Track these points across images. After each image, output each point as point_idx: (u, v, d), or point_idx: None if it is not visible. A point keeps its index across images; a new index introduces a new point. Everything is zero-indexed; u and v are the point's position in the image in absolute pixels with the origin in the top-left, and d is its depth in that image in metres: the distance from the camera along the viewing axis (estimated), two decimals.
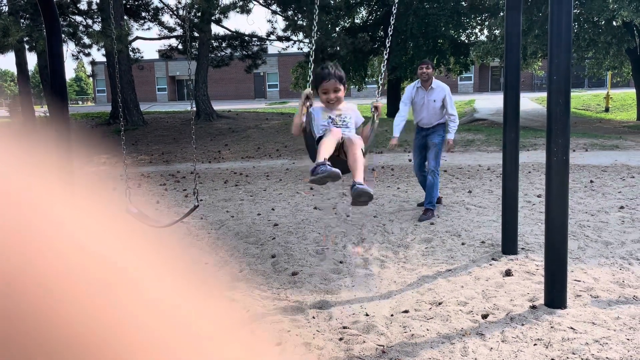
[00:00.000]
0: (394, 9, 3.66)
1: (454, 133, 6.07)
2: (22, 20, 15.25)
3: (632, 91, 24.74)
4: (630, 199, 6.43)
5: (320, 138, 2.87)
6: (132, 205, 4.61)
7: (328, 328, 3.19)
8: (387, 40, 3.47)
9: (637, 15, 14.49)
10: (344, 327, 3.18)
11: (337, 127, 2.89)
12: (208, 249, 5.10)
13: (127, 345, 0.27)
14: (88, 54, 17.23)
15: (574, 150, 10.73)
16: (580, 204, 6.25)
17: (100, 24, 16.28)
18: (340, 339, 3.02)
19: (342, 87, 3.00)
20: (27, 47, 15.82)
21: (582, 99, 30.06)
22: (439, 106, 6.00)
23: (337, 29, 20.39)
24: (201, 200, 7.32)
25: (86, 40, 16.32)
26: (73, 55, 17.17)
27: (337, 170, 2.63)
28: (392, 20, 3.58)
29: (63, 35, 14.84)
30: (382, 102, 2.94)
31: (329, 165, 2.66)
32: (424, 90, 6.04)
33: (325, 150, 2.76)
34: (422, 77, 5.98)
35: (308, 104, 2.92)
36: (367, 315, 3.39)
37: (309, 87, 2.96)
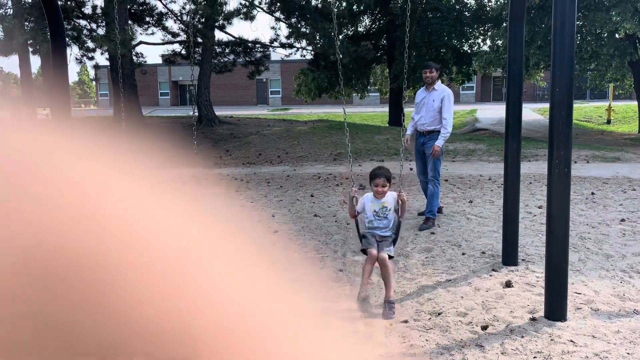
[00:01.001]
0: (407, 21, 3.73)
1: (442, 140, 5.92)
2: (27, 23, 15.32)
3: (634, 103, 24.78)
4: (632, 211, 6.41)
5: (364, 236, 3.86)
6: None
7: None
8: (405, 40, 3.61)
9: (639, 27, 14.52)
10: (343, 337, 3.16)
11: (374, 249, 3.70)
12: None
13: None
14: (92, 58, 17.30)
15: (575, 162, 10.73)
16: (581, 215, 6.23)
17: (104, 28, 16.34)
18: None
19: (388, 184, 3.96)
20: (31, 50, 15.88)
21: (584, 111, 30.11)
22: (437, 107, 5.96)
23: (341, 37, 20.47)
24: None
25: (90, 44, 16.39)
26: (77, 59, 17.24)
27: (373, 311, 3.60)
28: (407, 26, 3.69)
29: (67, 39, 14.89)
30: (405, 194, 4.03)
31: (369, 304, 3.61)
32: (427, 91, 6.11)
33: (365, 283, 3.68)
34: (425, 80, 6.06)
35: (354, 201, 3.91)
36: (366, 325, 3.37)
37: (354, 187, 4.03)
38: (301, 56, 20.70)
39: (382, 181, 3.90)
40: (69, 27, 15.71)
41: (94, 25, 17.05)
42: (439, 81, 6.13)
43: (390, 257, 3.70)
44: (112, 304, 0.26)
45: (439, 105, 5.96)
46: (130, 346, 0.25)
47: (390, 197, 3.94)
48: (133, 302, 0.26)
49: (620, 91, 27.63)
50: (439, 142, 5.90)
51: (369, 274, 3.70)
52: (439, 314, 3.50)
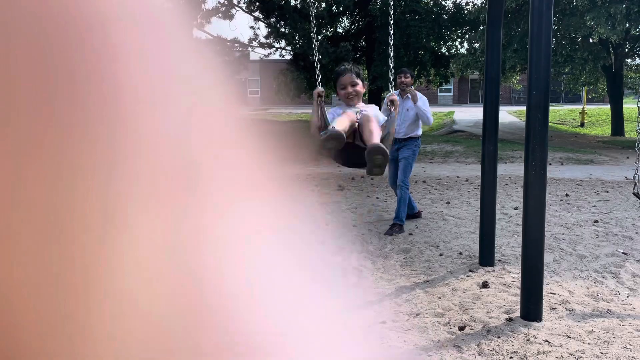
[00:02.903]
0: (391, 24, 3.66)
1: (425, 106, 5.78)
2: None
3: (607, 107, 25.34)
4: (605, 213, 6.54)
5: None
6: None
7: None
8: (390, 41, 3.55)
9: (613, 32, 14.85)
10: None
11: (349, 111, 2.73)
12: None
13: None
14: None
15: (550, 164, 10.91)
16: (556, 217, 6.33)
17: None
18: None
19: (359, 82, 2.93)
20: None
21: (558, 114, 30.66)
22: (412, 115, 5.86)
23: (320, 37, 20.48)
24: None
25: None
26: None
27: (341, 131, 2.43)
28: (391, 27, 3.61)
29: None
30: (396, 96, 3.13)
31: (333, 127, 2.49)
32: (400, 98, 6.01)
33: (337, 123, 2.64)
34: (400, 85, 5.93)
35: (320, 100, 2.88)
36: (343, 325, 3.36)
37: (319, 86, 2.95)
38: (280, 56, 20.66)
39: (348, 78, 2.90)
40: None
41: None
42: (412, 87, 6.01)
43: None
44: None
45: (414, 114, 5.87)
46: None
47: (369, 106, 3.02)
48: None
49: (593, 95, 28.22)
50: (422, 103, 5.75)
51: (339, 124, 2.75)
52: (417, 314, 3.52)
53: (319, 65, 3.54)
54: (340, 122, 2.70)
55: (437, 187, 8.65)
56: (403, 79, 5.93)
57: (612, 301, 3.72)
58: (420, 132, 6.02)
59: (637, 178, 3.99)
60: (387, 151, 2.61)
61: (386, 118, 3.01)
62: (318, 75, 3.36)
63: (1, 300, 0.22)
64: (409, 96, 5.89)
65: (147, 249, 0.24)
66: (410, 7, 20.13)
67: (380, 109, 3.28)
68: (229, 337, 0.26)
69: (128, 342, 0.23)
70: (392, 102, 3.06)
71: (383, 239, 5.47)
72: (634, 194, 4.11)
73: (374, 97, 22.25)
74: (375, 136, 2.65)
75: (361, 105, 2.93)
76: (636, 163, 4.06)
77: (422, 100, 5.91)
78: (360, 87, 2.95)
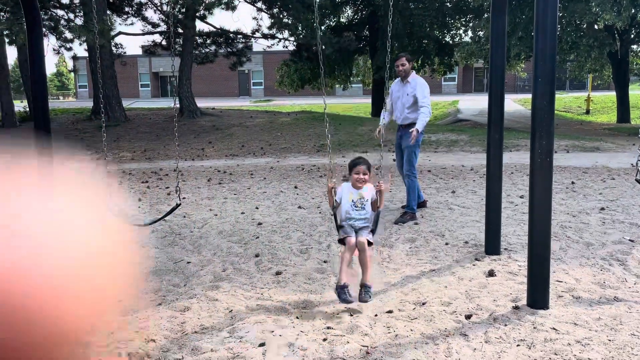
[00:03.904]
0: (390, 12, 3.62)
1: (421, 124, 5.65)
2: (2, 14, 14.97)
3: (613, 94, 25.15)
4: (611, 200, 6.51)
5: (341, 226, 3.77)
6: (112, 202, 4.51)
7: (312, 328, 3.17)
8: (388, 29, 3.53)
9: (618, 18, 14.71)
10: (328, 328, 3.16)
11: (351, 237, 3.64)
12: (191, 247, 5.05)
13: None
14: (70, 49, 16.97)
15: (555, 152, 10.85)
16: (562, 205, 6.31)
17: (82, 18, 16.04)
18: (324, 340, 3.00)
19: (368, 173, 3.84)
20: (7, 40, 15.53)
21: (564, 101, 30.47)
22: (412, 101, 5.81)
23: (323, 27, 20.38)
24: (184, 198, 7.25)
25: (68, 35, 16.08)
26: (54, 50, 16.90)
27: (353, 300, 3.49)
28: (390, 16, 3.58)
29: (44, 29, 14.59)
30: (385, 185, 3.84)
31: (347, 293, 3.49)
32: (401, 83, 5.96)
33: (344, 267, 3.59)
34: (398, 73, 5.91)
35: (333, 191, 3.84)
36: (351, 315, 3.37)
37: (330, 181, 3.87)
38: (283, 47, 20.58)
39: (362, 169, 3.79)
40: (46, 17, 15.38)
41: (71, 15, 16.72)
42: (413, 72, 5.94)
43: (369, 243, 3.63)
44: None
45: (412, 99, 5.80)
46: None
47: (369, 190, 3.81)
48: None
49: (599, 82, 28.04)
50: (419, 126, 5.63)
51: (348, 262, 3.63)
52: (424, 303, 3.52)
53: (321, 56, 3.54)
54: (345, 263, 3.61)
55: (443, 176, 8.63)
56: (400, 67, 5.85)
57: (619, 288, 3.71)
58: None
59: (639, 165, 3.96)
60: (370, 295, 3.53)
61: (376, 197, 3.79)
62: (322, 70, 3.48)
63: None
64: (409, 81, 5.84)
65: None
66: None
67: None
68: None
69: None
70: (379, 192, 3.78)
71: (389, 229, 5.47)
72: (637, 180, 4.09)
73: (378, 87, 22.17)
74: (367, 275, 3.58)
75: (364, 189, 3.78)
76: (639, 150, 4.03)
77: (421, 88, 5.78)
78: (368, 177, 3.82)
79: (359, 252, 3.61)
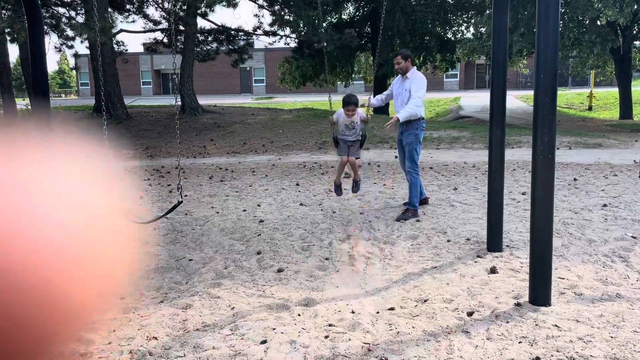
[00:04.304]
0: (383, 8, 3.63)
1: (405, 113, 5.60)
2: (4, 12, 14.98)
3: (615, 90, 25.09)
4: (613, 197, 6.50)
5: (339, 141, 5.61)
6: (114, 199, 4.54)
7: (314, 326, 3.17)
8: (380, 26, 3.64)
9: (621, 14, 14.65)
10: (330, 325, 3.16)
11: (345, 155, 5.60)
12: (192, 245, 5.05)
13: None
14: (71, 47, 16.98)
15: (558, 148, 10.83)
16: (564, 201, 6.30)
17: (83, 16, 16.04)
18: (326, 337, 3.00)
19: (355, 108, 5.54)
20: (8, 38, 15.54)
21: (566, 98, 30.39)
22: (409, 97, 5.77)
23: (324, 24, 20.35)
24: (186, 195, 7.26)
25: (69, 33, 16.08)
26: (56, 48, 16.91)
27: (342, 194, 6.17)
28: (382, 13, 3.61)
29: (45, 27, 14.58)
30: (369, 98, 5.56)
31: (340, 190, 6.03)
32: (401, 80, 5.96)
33: (339, 173, 5.96)
34: (397, 71, 5.95)
35: (334, 122, 5.62)
36: (352, 312, 3.37)
37: (331, 117, 5.63)
38: (285, 44, 20.55)
39: (352, 107, 5.50)
40: (47, 15, 15.38)
41: (72, 13, 16.72)
42: (414, 69, 5.88)
43: (357, 158, 5.58)
44: None
45: (410, 94, 5.76)
46: None
47: (357, 114, 5.54)
48: None
49: (601, 78, 27.94)
50: (401, 115, 5.59)
51: (342, 170, 5.89)
52: (425, 300, 3.52)
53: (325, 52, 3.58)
54: (340, 170, 5.91)
55: (444, 173, 8.62)
56: (396, 66, 5.86)
57: (621, 285, 3.70)
58: (420, 114, 5.81)
59: None
60: (359, 181, 5.91)
61: (364, 116, 5.56)
62: (326, 66, 3.99)
63: None
64: (408, 77, 5.82)
65: None
66: None
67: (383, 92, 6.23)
68: None
69: None
70: (362, 105, 5.67)
71: (390, 226, 5.46)
72: None
73: (380, 84, 22.16)
74: (356, 174, 5.81)
75: (354, 116, 5.54)
76: None
77: (416, 82, 5.75)
78: (355, 109, 5.53)
79: (351, 165, 5.65)
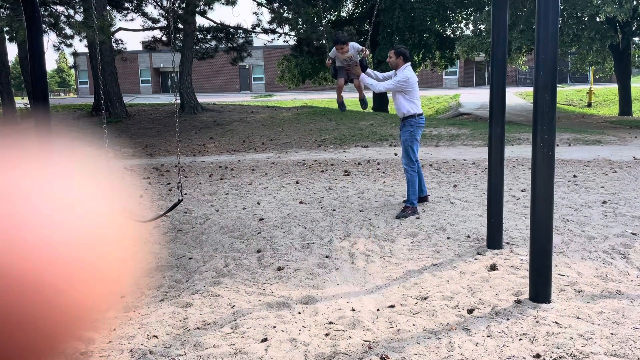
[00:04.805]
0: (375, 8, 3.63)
1: (366, 78, 5.92)
2: (2, 10, 14.95)
3: (614, 87, 25.08)
4: (613, 193, 6.50)
5: (337, 69, 6.07)
6: (114, 198, 4.56)
7: (314, 324, 3.17)
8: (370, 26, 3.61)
9: (620, 11, 14.63)
10: (330, 323, 3.16)
11: (342, 78, 6.02)
12: (192, 243, 5.05)
13: None
14: (70, 45, 16.95)
15: (557, 145, 10.82)
16: (564, 198, 6.30)
17: (82, 14, 16.00)
18: (327, 335, 3.00)
19: (345, 46, 5.80)
20: (7, 37, 15.52)
21: (565, 94, 30.38)
22: (399, 96, 5.82)
23: (323, 22, 20.31)
24: (185, 194, 7.25)
25: (68, 31, 16.05)
26: (54, 46, 16.88)
27: (345, 109, 6.69)
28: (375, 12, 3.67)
29: (44, 26, 14.56)
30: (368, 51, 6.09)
31: (343, 105, 6.51)
32: (394, 76, 5.96)
33: (339, 92, 6.26)
34: (390, 66, 5.99)
35: (332, 60, 6.06)
36: (353, 310, 3.37)
37: (329, 60, 6.09)
38: (284, 42, 20.53)
39: (340, 45, 5.76)
40: (46, 13, 15.35)
41: (71, 12, 16.69)
42: (407, 65, 5.86)
43: (356, 78, 5.94)
44: None
45: (399, 95, 5.82)
46: None
47: (352, 48, 5.84)
48: None
49: (600, 74, 27.93)
50: (364, 76, 5.93)
51: (341, 90, 6.19)
52: (426, 298, 3.52)
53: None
54: (339, 90, 6.19)
55: (444, 170, 8.62)
56: (388, 59, 5.97)
57: (621, 282, 3.71)
58: (413, 110, 5.80)
59: None
60: (366, 100, 6.55)
61: (360, 47, 5.92)
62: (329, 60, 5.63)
63: None
64: (397, 73, 5.85)
65: None
66: None
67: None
68: None
69: None
70: (362, 50, 5.96)
71: (390, 224, 5.46)
72: None
73: None
74: (360, 93, 6.26)
75: (347, 52, 5.86)
76: None
77: (399, 74, 5.82)
78: (346, 47, 5.80)
79: (354, 86, 6.11)
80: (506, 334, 2.94)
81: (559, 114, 20.69)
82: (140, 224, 5.21)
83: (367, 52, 5.77)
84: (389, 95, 6.33)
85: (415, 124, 5.83)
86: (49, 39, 16.80)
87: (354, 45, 5.87)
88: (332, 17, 22.57)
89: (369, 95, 29.51)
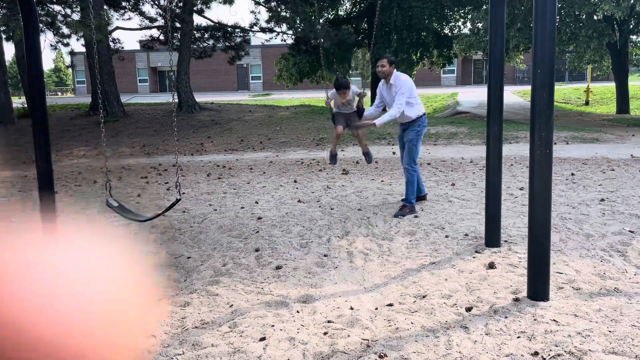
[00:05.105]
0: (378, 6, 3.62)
1: (384, 119, 5.58)
2: None
3: (612, 85, 25.11)
4: (611, 191, 6.51)
5: (335, 115, 6.01)
6: (112, 198, 4.55)
7: (312, 322, 3.17)
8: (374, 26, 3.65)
9: (617, 9, 14.64)
10: (329, 321, 3.16)
11: (340, 126, 5.91)
12: (191, 242, 5.04)
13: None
14: (67, 44, 16.91)
15: (555, 143, 10.84)
16: (562, 196, 6.31)
17: (79, 14, 15.97)
18: (325, 334, 3.00)
19: (347, 91, 5.80)
20: (4, 36, 15.48)
21: (563, 92, 30.40)
22: None
23: (321, 21, 20.31)
24: (183, 193, 7.25)
25: (65, 30, 16.01)
26: (51, 46, 16.84)
27: (336, 162, 6.29)
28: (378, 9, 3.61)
29: (41, 25, 14.52)
30: (367, 92, 5.95)
31: (335, 159, 6.26)
32: (386, 85, 5.86)
33: (334, 142, 6.23)
34: (379, 74, 5.78)
35: (330, 102, 6.02)
36: (351, 309, 3.37)
37: (327, 95, 6.07)
38: (282, 41, 20.51)
39: (342, 90, 5.75)
40: (43, 12, 15.31)
41: (68, 11, 16.64)
42: (395, 72, 5.75)
43: (357, 128, 5.79)
44: None
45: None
46: None
47: (351, 92, 5.79)
48: None
49: (598, 73, 27.94)
50: (378, 121, 5.57)
51: (336, 140, 6.14)
52: (424, 296, 3.52)
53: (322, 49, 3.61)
54: (335, 139, 6.12)
55: (442, 169, 8.62)
56: (379, 68, 5.71)
57: (619, 279, 3.71)
58: (418, 112, 5.80)
59: None
60: (371, 156, 6.27)
61: (359, 91, 5.87)
62: (323, 65, 4.57)
63: None
64: (392, 84, 5.75)
65: None
66: None
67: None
68: None
69: None
70: (359, 95, 5.91)
71: (388, 222, 5.46)
72: None
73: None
74: (362, 146, 6.19)
75: (347, 96, 5.85)
76: None
77: (401, 87, 5.65)
78: (347, 93, 5.77)
79: (353, 132, 6.02)
80: (504, 332, 2.94)
81: (557, 112, 20.71)
82: (138, 223, 5.21)
83: (367, 95, 5.78)
84: (379, 99, 6.19)
85: (422, 124, 5.85)
86: (46, 38, 16.86)
87: (353, 89, 5.87)
88: (329, 16, 22.55)
89: (368, 95, 29.62)
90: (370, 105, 6.41)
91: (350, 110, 5.85)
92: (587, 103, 26.39)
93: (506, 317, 3.13)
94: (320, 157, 10.42)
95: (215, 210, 6.32)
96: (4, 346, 0.28)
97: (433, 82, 43.16)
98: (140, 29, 19.07)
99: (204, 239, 5.12)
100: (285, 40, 20.46)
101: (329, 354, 2.76)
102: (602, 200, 6.04)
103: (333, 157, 6.20)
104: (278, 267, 4.22)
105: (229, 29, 19.23)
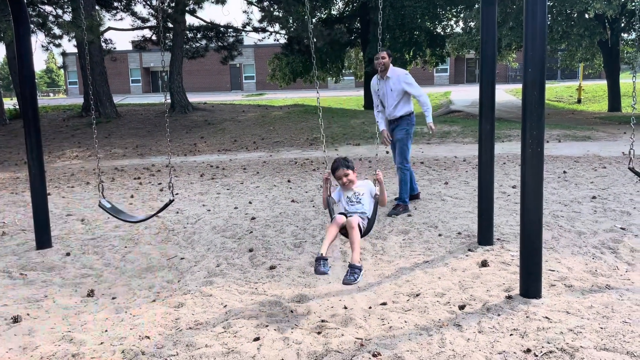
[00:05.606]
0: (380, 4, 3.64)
1: (430, 116, 5.91)
2: None
3: (604, 83, 25.25)
4: (602, 189, 6.55)
5: (332, 210, 3.67)
6: (105, 199, 4.54)
7: (306, 322, 3.17)
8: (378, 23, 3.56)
9: (609, 7, 14.73)
10: (323, 321, 3.17)
11: (342, 214, 3.55)
12: (184, 243, 5.04)
13: None
14: (59, 45, 16.81)
15: (547, 141, 10.89)
16: (554, 194, 6.34)
17: (70, 14, 15.88)
18: (319, 333, 3.01)
19: (350, 172, 3.68)
20: None
21: (555, 91, 30.55)
22: (397, 95, 5.82)
23: (314, 20, 20.30)
24: (177, 194, 7.23)
25: (56, 31, 15.92)
26: (43, 46, 16.73)
27: (327, 273, 3.32)
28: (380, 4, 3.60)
29: (32, 26, 14.43)
30: (381, 172, 3.68)
31: (322, 265, 3.32)
32: (382, 80, 5.93)
33: (327, 241, 3.42)
34: (379, 67, 5.85)
35: (328, 185, 3.71)
36: (345, 308, 3.38)
37: (327, 170, 3.73)
38: (275, 40, 20.50)
39: (341, 172, 3.66)
40: (34, 13, 15.22)
41: (59, 11, 16.55)
42: (393, 67, 5.92)
43: (360, 229, 3.45)
44: None
45: (397, 94, 5.81)
46: None
47: (363, 184, 3.75)
48: None
49: (590, 71, 28.10)
50: (428, 119, 5.91)
51: (332, 237, 3.42)
52: (417, 295, 3.54)
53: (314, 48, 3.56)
54: (329, 235, 3.42)
55: (435, 167, 8.65)
56: (381, 59, 5.78)
57: (610, 276, 3.74)
58: (410, 109, 5.91)
59: (632, 153, 3.98)
60: (358, 267, 3.32)
61: (377, 192, 3.70)
62: (314, 64, 3.49)
63: None
64: (389, 77, 5.83)
65: None
66: None
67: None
68: None
69: None
70: (377, 181, 3.68)
71: (382, 221, 5.48)
72: (629, 169, 4.11)
73: (371, 80, 22.13)
74: (355, 254, 3.36)
75: (356, 186, 3.71)
76: (631, 138, 4.06)
77: (406, 80, 5.79)
78: (351, 175, 3.69)
79: (348, 230, 3.43)
80: (497, 330, 2.96)
81: (549, 111, 20.81)
82: (132, 224, 5.19)
83: (380, 175, 3.68)
84: (376, 99, 6.17)
85: (411, 123, 5.90)
86: (37, 39, 16.77)
87: (369, 187, 3.75)
88: (322, 16, 22.55)
89: (362, 94, 29.61)
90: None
91: (359, 213, 3.60)
92: (579, 101, 26.53)
93: (499, 315, 3.15)
94: (314, 157, 10.42)
95: (209, 210, 6.31)
96: None
97: (426, 81, 43.28)
98: (133, 29, 19.00)
99: (198, 240, 5.11)
100: (278, 40, 20.44)
101: (323, 353, 2.77)
102: (594, 197, 6.08)
103: (319, 262, 3.31)
104: (272, 267, 4.22)
105: (221, 28, 19.20)
